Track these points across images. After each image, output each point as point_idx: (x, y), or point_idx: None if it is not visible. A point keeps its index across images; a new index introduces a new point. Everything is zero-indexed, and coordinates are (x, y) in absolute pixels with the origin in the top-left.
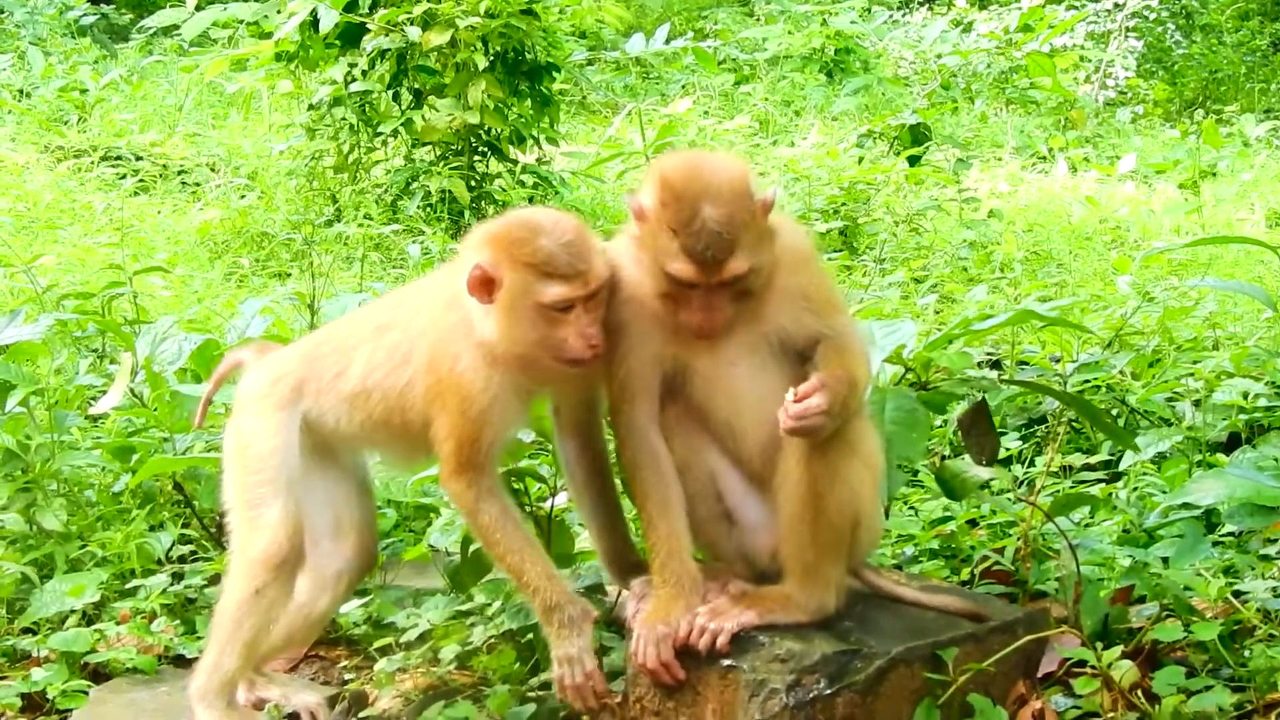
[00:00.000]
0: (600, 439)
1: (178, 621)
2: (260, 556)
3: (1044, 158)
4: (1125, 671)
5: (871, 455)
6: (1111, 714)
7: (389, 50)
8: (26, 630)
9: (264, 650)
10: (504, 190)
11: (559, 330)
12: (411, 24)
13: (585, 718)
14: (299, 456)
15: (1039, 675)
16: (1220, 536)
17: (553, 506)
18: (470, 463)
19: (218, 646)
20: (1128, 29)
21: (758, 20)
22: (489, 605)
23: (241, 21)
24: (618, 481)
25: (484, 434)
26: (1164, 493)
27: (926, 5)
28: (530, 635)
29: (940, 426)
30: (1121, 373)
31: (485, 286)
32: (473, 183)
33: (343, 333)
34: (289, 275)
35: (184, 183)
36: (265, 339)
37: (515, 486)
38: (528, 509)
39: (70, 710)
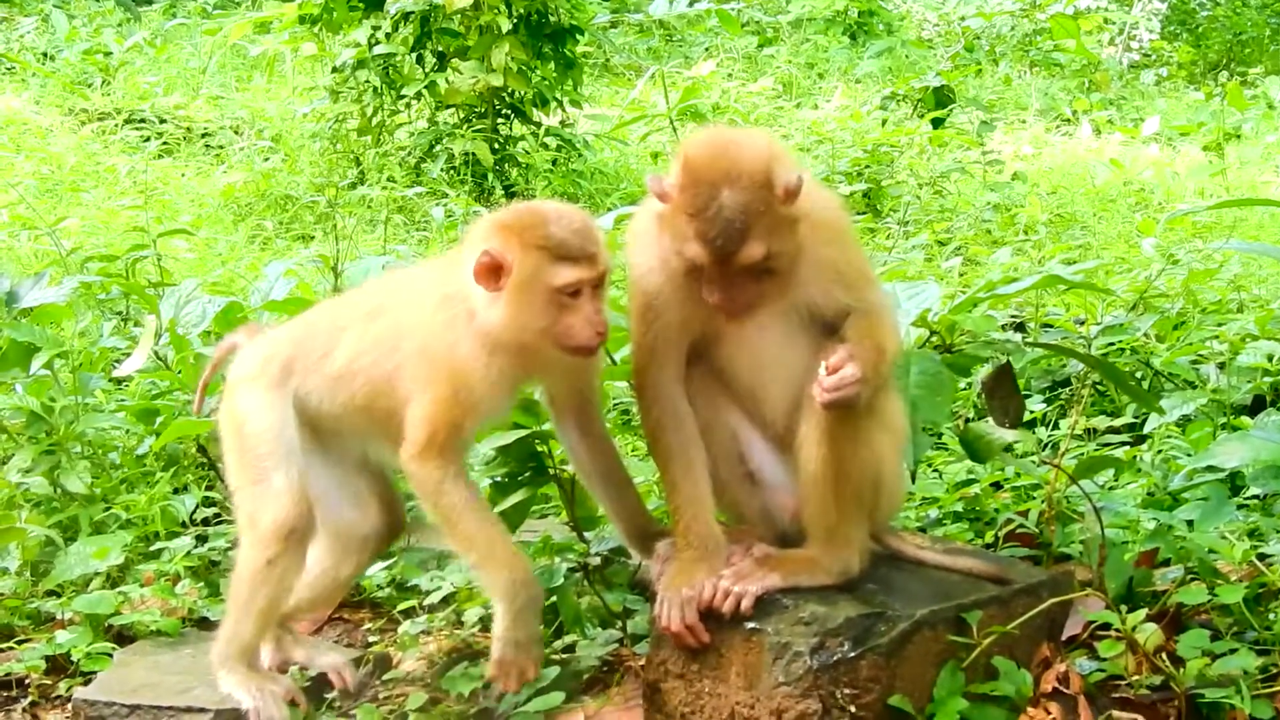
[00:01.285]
0: (599, 422)
1: (201, 584)
2: (270, 527)
3: (1068, 120)
4: (1150, 635)
5: (893, 419)
6: (1136, 677)
7: (412, 13)
8: (51, 593)
9: (287, 612)
10: (527, 153)
11: (566, 316)
12: None
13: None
14: (296, 430)
15: (1063, 638)
16: (1245, 499)
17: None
18: (445, 446)
19: (234, 615)
20: None
21: None
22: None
23: None
24: (622, 460)
25: (468, 420)
26: (1188, 455)
27: None
28: (554, 598)
29: (965, 389)
30: (1146, 335)
31: (493, 273)
32: (496, 145)
33: (333, 314)
34: (312, 238)
35: (208, 146)
36: (288, 301)
37: (540, 449)
38: (551, 471)
39: (94, 672)
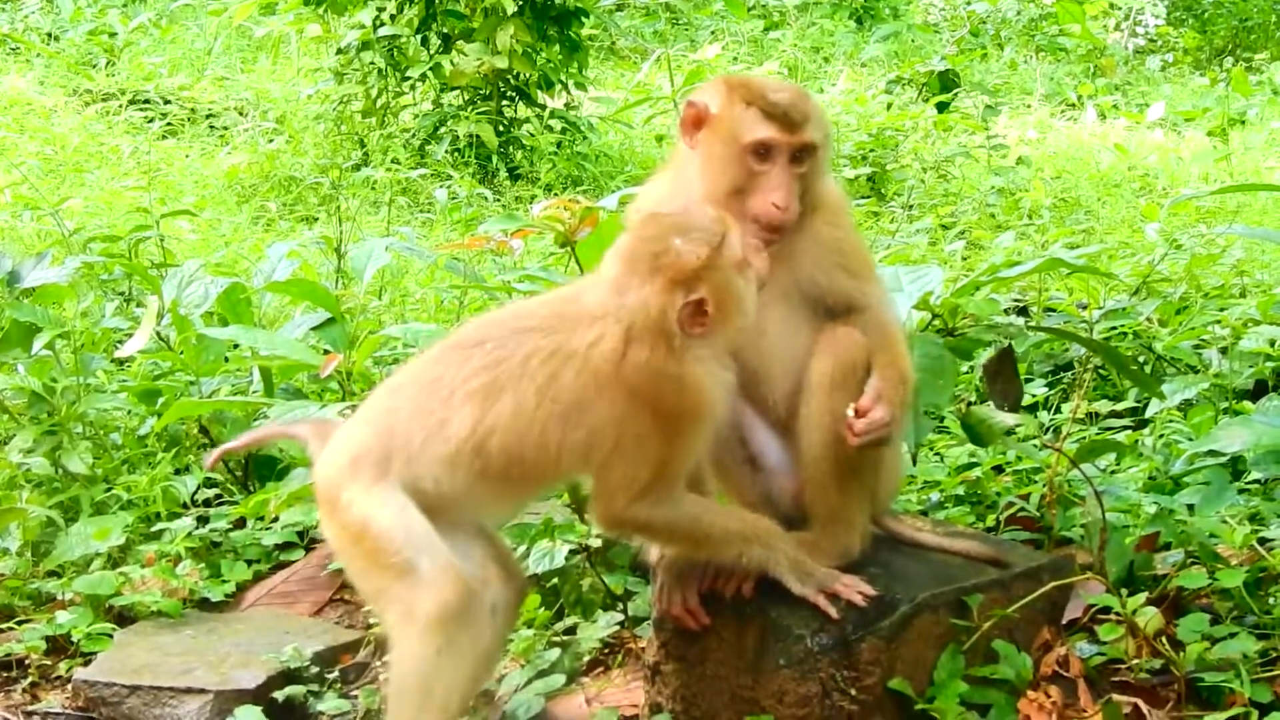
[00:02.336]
0: None
1: (203, 565)
2: (433, 612)
3: (1073, 105)
4: (1150, 618)
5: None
6: (1136, 660)
7: None
8: (51, 573)
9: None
10: (532, 135)
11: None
12: None
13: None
14: (420, 513)
15: (1064, 621)
16: (1246, 484)
17: None
18: (667, 480)
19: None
20: None
21: None
22: (515, 549)
23: None
24: None
25: (687, 455)
26: (1190, 440)
27: None
28: (554, 580)
29: (966, 373)
30: (1148, 320)
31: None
32: (500, 128)
33: (417, 398)
34: (316, 219)
35: (212, 126)
36: (290, 282)
37: None
38: None
39: (95, 653)
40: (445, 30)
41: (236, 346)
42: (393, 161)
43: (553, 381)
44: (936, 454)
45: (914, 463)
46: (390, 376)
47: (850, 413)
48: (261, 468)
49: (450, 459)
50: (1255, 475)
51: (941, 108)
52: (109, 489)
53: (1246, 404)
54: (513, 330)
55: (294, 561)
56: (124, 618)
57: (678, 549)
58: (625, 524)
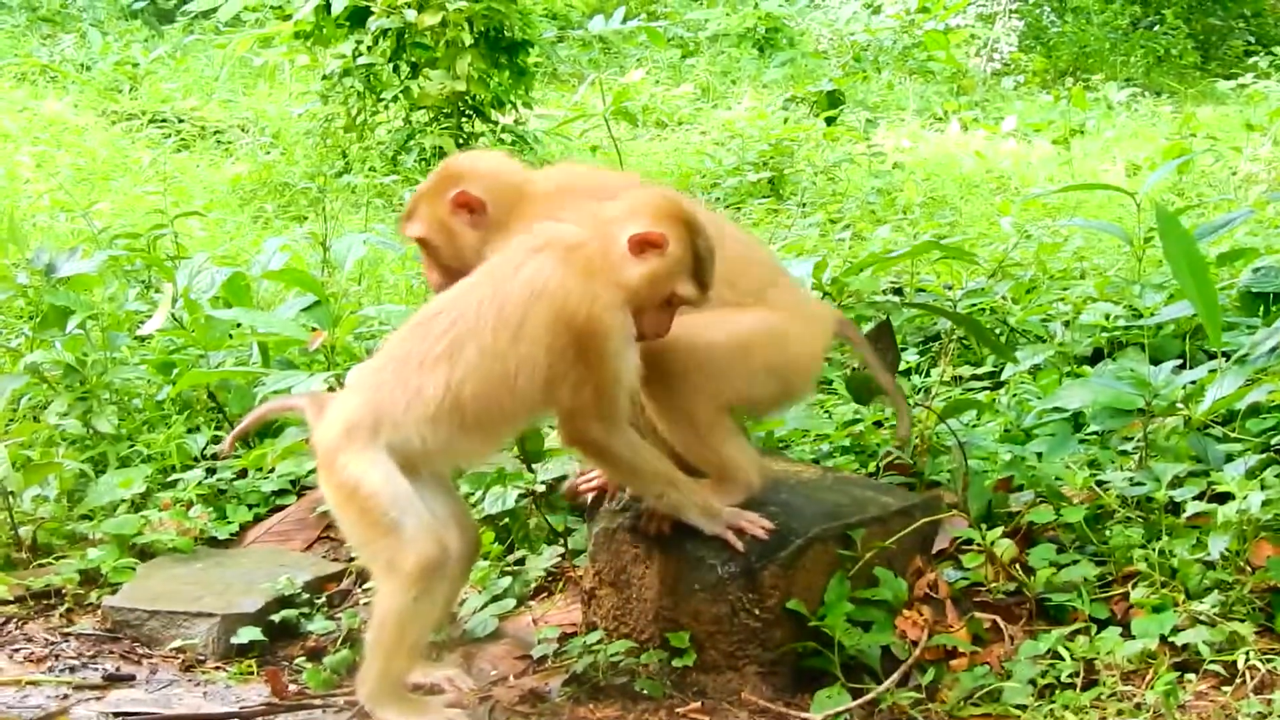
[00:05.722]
0: None
1: (211, 509)
2: (414, 567)
3: (940, 119)
4: (1005, 548)
5: (714, 345)
6: (994, 584)
7: (390, 29)
8: (84, 517)
9: None
10: (487, 146)
11: (659, 312)
12: (409, 7)
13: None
14: (402, 476)
15: (933, 552)
16: (1085, 435)
17: None
18: (610, 405)
19: (384, 655)
20: (1011, 10)
21: (700, 3)
22: (473, 494)
23: (267, 5)
24: None
25: (622, 372)
26: (1039, 398)
27: None
28: (506, 520)
29: None
30: (1003, 298)
31: (644, 248)
32: (460, 140)
33: (395, 371)
34: (306, 218)
35: (218, 141)
36: (284, 270)
37: None
38: None
39: (120, 583)
40: (413, 59)
41: (239, 325)
42: (370, 169)
43: (500, 315)
44: (826, 411)
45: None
46: (372, 355)
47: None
48: (261, 427)
49: (432, 418)
50: (1093, 428)
51: (829, 121)
52: (132, 445)
53: (1086, 369)
54: (461, 292)
55: (288, 506)
56: (145, 554)
57: (616, 477)
58: (584, 443)
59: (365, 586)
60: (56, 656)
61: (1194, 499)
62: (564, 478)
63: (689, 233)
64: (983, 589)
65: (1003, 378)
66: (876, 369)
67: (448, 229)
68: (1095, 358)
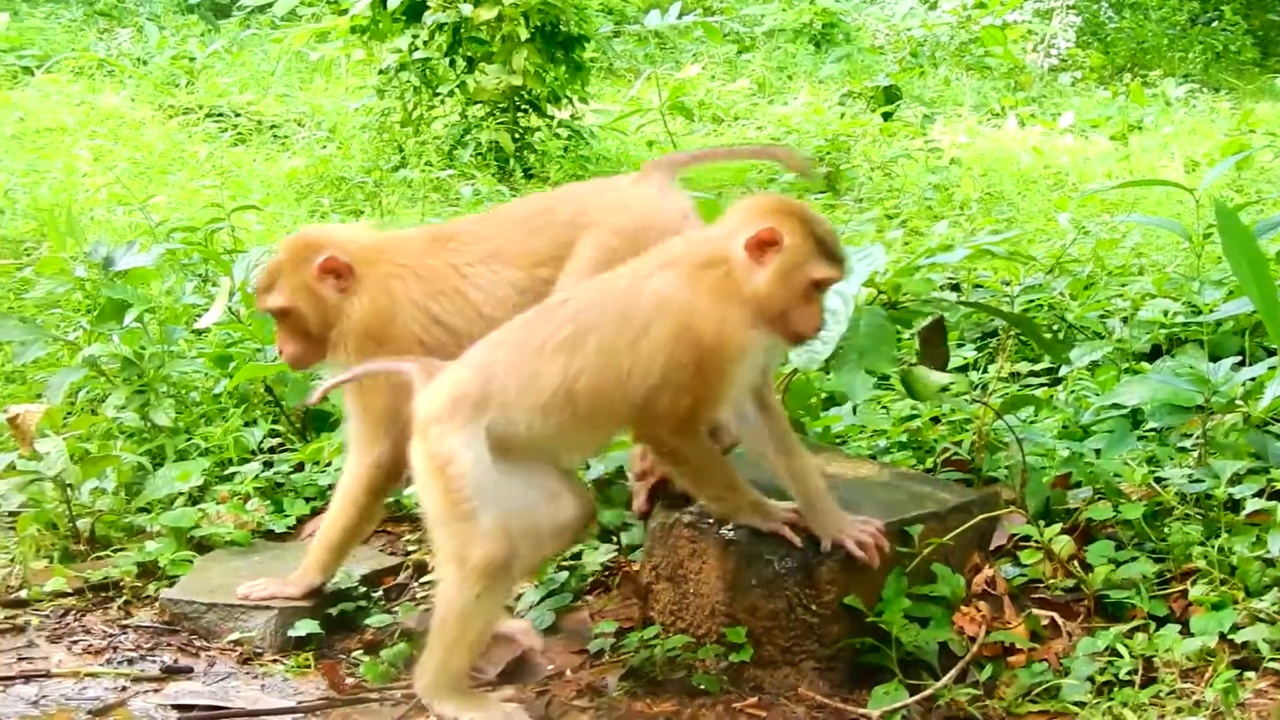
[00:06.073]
0: (773, 394)
1: (268, 502)
2: (479, 565)
3: (997, 114)
4: (1063, 545)
5: None
6: (1052, 580)
7: (446, 23)
8: (142, 509)
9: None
10: (542, 141)
11: (805, 306)
12: (465, 2)
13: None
14: (492, 464)
15: (991, 548)
16: (1144, 431)
17: None
18: (702, 419)
19: (444, 649)
20: (1068, 6)
21: None
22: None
23: (323, 0)
24: None
25: (728, 392)
26: (1097, 395)
27: None
28: None
29: (908, 339)
30: (1061, 294)
31: (763, 248)
32: (516, 135)
33: (519, 350)
34: (362, 212)
35: (275, 135)
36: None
37: None
38: None
39: (178, 576)
40: (469, 54)
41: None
42: (426, 164)
43: (625, 316)
44: (883, 407)
45: (854, 413)
46: (493, 333)
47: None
48: (316, 420)
49: (544, 406)
50: (1152, 424)
51: (886, 117)
52: (189, 439)
53: (1144, 365)
54: (588, 287)
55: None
56: (202, 546)
57: (678, 477)
58: (657, 443)
59: (422, 580)
60: (115, 649)
61: (1253, 496)
62: (620, 473)
63: (799, 218)
64: (1041, 585)
65: (1061, 374)
66: None
67: (314, 295)
68: (1154, 354)
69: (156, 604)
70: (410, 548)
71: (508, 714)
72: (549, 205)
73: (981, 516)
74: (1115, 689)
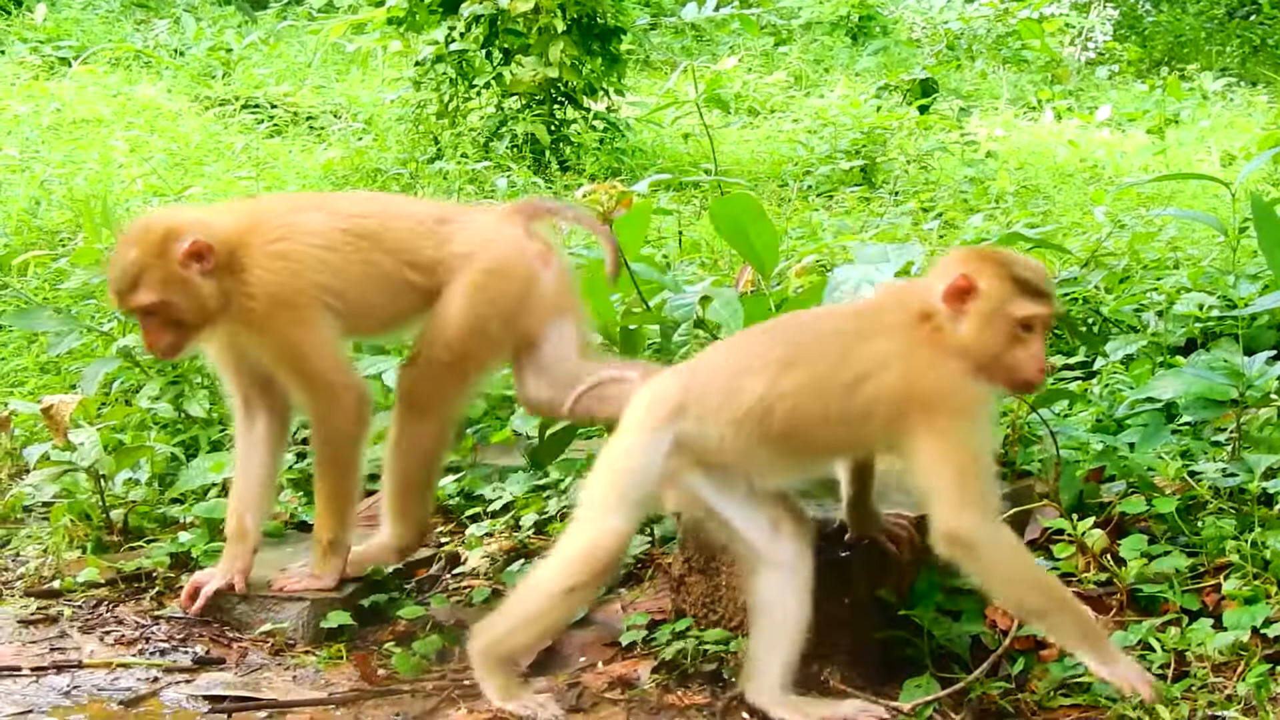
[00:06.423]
0: None
1: (301, 493)
2: (582, 555)
3: (1034, 108)
4: (1097, 539)
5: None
6: (1085, 574)
7: (482, 15)
8: (175, 500)
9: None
10: (578, 134)
11: (1017, 349)
12: None
13: None
14: (656, 478)
15: (1025, 541)
16: (1178, 425)
17: None
18: (975, 489)
19: (513, 621)
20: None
21: None
22: (562, 481)
23: None
24: None
25: (982, 452)
26: (1131, 389)
27: None
28: None
29: None
30: (1096, 287)
31: (961, 295)
32: (552, 127)
33: (725, 364)
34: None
35: (311, 127)
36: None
37: None
38: None
39: (210, 567)
40: (506, 46)
41: None
42: (462, 156)
43: (842, 359)
44: None
45: None
46: (710, 344)
47: None
48: None
49: (738, 421)
50: (1186, 418)
51: (922, 110)
52: (223, 430)
53: (1179, 359)
54: (814, 315)
55: (377, 491)
56: None
57: (992, 590)
58: (955, 540)
59: (455, 572)
60: (147, 639)
61: None
62: None
63: (992, 261)
64: (1074, 579)
65: (1095, 367)
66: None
67: (183, 283)
68: (1188, 348)
69: None
70: (443, 539)
71: (541, 705)
72: (428, 214)
73: (1014, 510)
74: None
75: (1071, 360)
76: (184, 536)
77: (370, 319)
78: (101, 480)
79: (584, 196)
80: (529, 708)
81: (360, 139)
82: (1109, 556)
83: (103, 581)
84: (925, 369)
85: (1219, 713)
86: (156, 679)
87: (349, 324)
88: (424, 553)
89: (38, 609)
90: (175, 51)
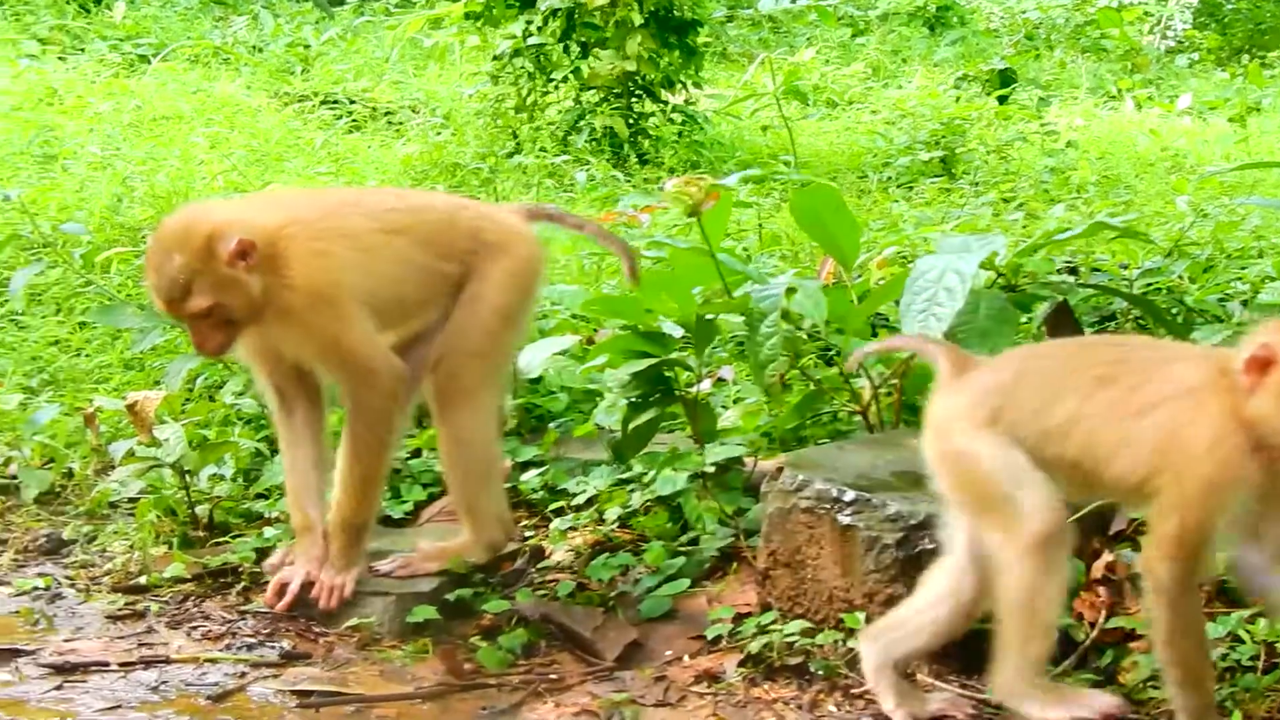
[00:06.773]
0: None
1: (386, 488)
2: (1032, 538)
3: (1113, 97)
4: None
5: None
6: None
7: (560, 9)
8: (260, 495)
9: (914, 649)
10: (657, 127)
11: None
12: None
13: None
14: (1023, 456)
15: (1111, 533)
16: None
17: (698, 391)
18: (1189, 549)
19: (1019, 639)
20: None
21: None
22: (645, 474)
23: None
24: None
25: (1216, 521)
26: None
27: None
28: (679, 499)
29: (1026, 323)
30: (1180, 277)
31: (1262, 366)
32: (631, 121)
33: (1049, 372)
34: (477, 199)
35: (389, 122)
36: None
37: (668, 375)
38: (677, 393)
39: None
40: (583, 40)
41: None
42: (540, 150)
43: (1132, 404)
44: None
45: None
46: (1038, 345)
47: None
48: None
49: (1048, 433)
50: None
51: (1001, 100)
52: None
53: None
54: (1144, 342)
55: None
56: None
57: (1153, 629)
58: (1150, 573)
59: (539, 566)
60: (234, 634)
61: None
62: (738, 459)
63: None
64: None
65: None
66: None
67: (233, 283)
68: None
69: None
70: (527, 533)
71: (1092, 701)
72: (451, 206)
73: (1101, 501)
74: (1237, 674)
75: None
76: (269, 531)
77: (400, 311)
78: (186, 476)
79: (673, 190)
80: (1080, 710)
81: (439, 134)
82: None
83: (189, 577)
84: (1204, 428)
85: None
86: (244, 674)
87: (381, 319)
88: (508, 547)
89: (125, 604)
90: (253, 48)
